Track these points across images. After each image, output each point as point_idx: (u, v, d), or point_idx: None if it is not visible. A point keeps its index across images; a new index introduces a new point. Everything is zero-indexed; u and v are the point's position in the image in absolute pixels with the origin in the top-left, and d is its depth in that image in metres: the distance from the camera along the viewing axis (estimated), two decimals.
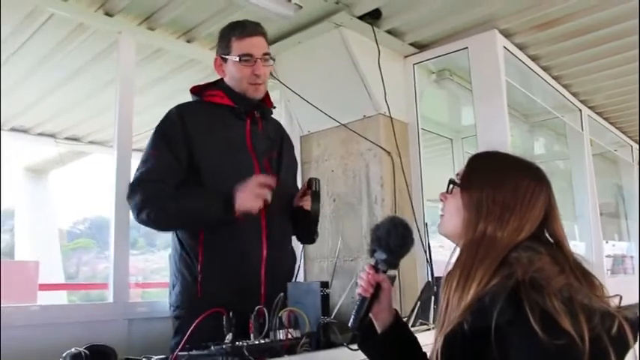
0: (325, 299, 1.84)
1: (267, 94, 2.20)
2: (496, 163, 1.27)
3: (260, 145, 2.09)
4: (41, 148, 5.12)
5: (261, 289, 1.96)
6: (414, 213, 3.01)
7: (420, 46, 3.23)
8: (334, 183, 3.15)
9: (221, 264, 1.94)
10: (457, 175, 1.29)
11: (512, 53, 3.20)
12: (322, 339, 1.77)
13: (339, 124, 3.08)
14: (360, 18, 2.81)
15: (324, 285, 1.86)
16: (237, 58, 2.02)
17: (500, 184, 1.19)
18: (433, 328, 2.07)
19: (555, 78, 3.80)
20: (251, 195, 1.86)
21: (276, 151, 2.17)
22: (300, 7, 2.63)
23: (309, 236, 2.28)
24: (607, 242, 4.92)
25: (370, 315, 1.40)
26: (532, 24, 3.04)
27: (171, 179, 1.95)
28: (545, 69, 3.62)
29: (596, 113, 4.66)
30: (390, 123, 3.01)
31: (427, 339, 1.38)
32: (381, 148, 2.97)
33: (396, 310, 1.42)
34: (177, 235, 2.04)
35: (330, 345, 1.76)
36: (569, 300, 0.97)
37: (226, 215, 1.85)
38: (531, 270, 1.02)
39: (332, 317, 1.88)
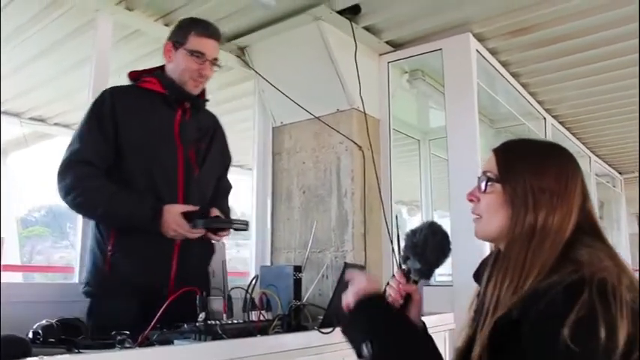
0: (298, 283, 1.87)
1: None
2: (531, 150, 1.21)
3: (188, 134, 2.10)
4: (4, 128, 4.98)
5: (172, 271, 1.98)
6: (382, 206, 3.05)
7: (396, 45, 3.28)
8: (305, 175, 3.17)
9: (132, 245, 1.95)
10: (485, 172, 1.20)
11: (484, 57, 3.27)
12: (294, 322, 1.79)
13: (312, 116, 3.10)
14: (340, 13, 2.84)
15: (297, 269, 1.88)
16: (190, 53, 2.06)
17: (542, 171, 1.13)
18: None
19: (523, 85, 3.90)
20: (173, 230, 1.89)
21: (205, 142, 2.19)
22: None
23: None
24: None
25: None
26: (505, 30, 3.11)
27: (100, 161, 1.95)
28: (514, 75, 3.72)
29: (559, 122, 4.80)
30: (363, 118, 3.05)
31: None
32: (353, 142, 3.00)
33: (423, 322, 1.32)
34: None
35: (302, 327, 1.79)
36: (633, 310, 0.94)
37: (152, 226, 1.88)
38: (599, 270, 0.97)
39: (304, 301, 1.90)
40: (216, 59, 2.13)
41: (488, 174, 1.18)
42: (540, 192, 1.10)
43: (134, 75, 2.16)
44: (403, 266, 1.28)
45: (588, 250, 1.04)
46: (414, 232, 1.27)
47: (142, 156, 1.98)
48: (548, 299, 0.95)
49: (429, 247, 1.23)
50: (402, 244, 1.30)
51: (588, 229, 1.12)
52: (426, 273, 1.26)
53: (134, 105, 2.04)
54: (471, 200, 1.22)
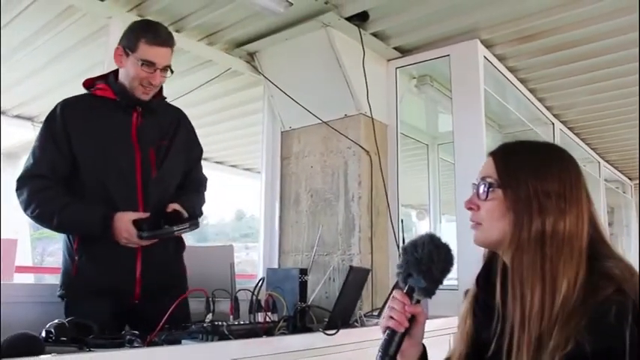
0: (303, 285, 1.90)
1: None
2: (531, 152, 1.15)
3: (147, 135, 2.08)
4: (17, 132, 5.05)
5: (136, 272, 1.99)
6: (389, 211, 3.08)
7: (404, 51, 3.31)
8: (313, 179, 3.21)
9: (95, 249, 1.96)
10: (484, 178, 1.14)
11: (492, 63, 3.30)
12: (299, 323, 1.82)
13: (320, 121, 3.14)
14: (348, 19, 2.88)
15: (303, 272, 1.91)
16: (140, 62, 2.01)
17: (545, 173, 1.08)
18: None
19: (531, 91, 3.92)
20: (125, 238, 1.90)
21: (167, 139, 2.15)
22: (291, 4, 2.68)
23: None
24: None
25: None
26: (513, 37, 3.14)
27: (55, 174, 1.96)
28: (522, 81, 3.74)
29: (568, 128, 4.81)
30: (370, 123, 3.08)
31: None
32: (361, 147, 3.03)
33: (424, 345, 1.22)
34: None
35: (307, 329, 1.82)
36: None
37: (103, 234, 1.90)
38: (634, 287, 0.95)
39: (309, 303, 1.93)
40: (167, 66, 2.07)
41: (488, 179, 1.13)
42: (545, 196, 1.05)
43: (88, 82, 2.13)
44: (402, 284, 1.17)
45: (615, 263, 1.01)
46: (414, 245, 1.16)
47: (99, 164, 1.97)
48: (631, 333, 0.90)
49: (434, 262, 1.13)
50: (401, 258, 1.17)
51: (599, 237, 1.08)
52: (432, 291, 1.15)
53: (87, 115, 2.02)
54: (470, 208, 1.16)
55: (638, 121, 4.32)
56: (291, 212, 3.28)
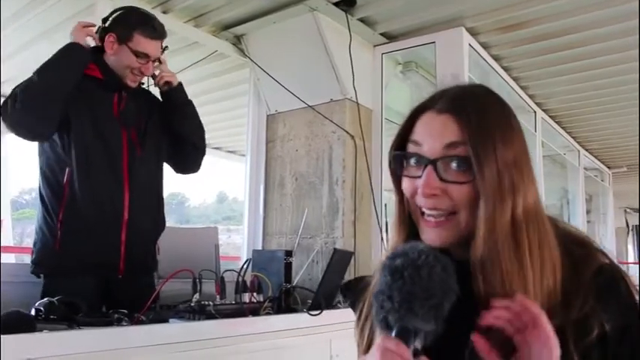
0: (288, 267, 1.93)
1: None
2: (496, 107, 0.90)
3: (127, 116, 2.12)
4: None
5: (121, 249, 2.01)
6: (372, 195, 3.12)
7: (390, 37, 3.33)
8: (297, 163, 3.24)
9: (81, 223, 1.97)
10: (450, 147, 0.85)
11: (477, 51, 3.33)
12: (284, 304, 1.86)
13: (306, 105, 3.16)
14: (335, 4, 2.88)
15: (288, 254, 1.95)
16: (134, 53, 2.05)
17: (510, 134, 0.86)
18: None
19: (514, 79, 3.97)
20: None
21: (144, 120, 2.20)
22: None
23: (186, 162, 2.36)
24: None
25: None
26: (498, 25, 3.17)
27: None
28: (505, 69, 3.78)
29: (550, 116, 4.87)
30: (355, 108, 3.11)
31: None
32: (346, 131, 3.06)
33: None
34: (40, 192, 2.06)
35: (291, 310, 1.86)
36: None
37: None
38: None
39: (293, 284, 1.97)
40: (158, 57, 2.14)
41: (459, 152, 0.84)
42: (515, 166, 0.84)
43: None
44: (385, 325, 0.79)
45: (573, 228, 0.92)
46: (415, 265, 0.79)
47: (88, 141, 1.99)
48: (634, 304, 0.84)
49: (446, 293, 0.78)
50: (382, 297, 0.79)
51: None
52: (438, 332, 0.78)
53: (75, 91, 2.01)
54: (432, 195, 0.85)
55: (638, 115, 4.40)
56: (276, 195, 3.31)
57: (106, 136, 2.03)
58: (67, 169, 1.97)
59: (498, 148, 0.82)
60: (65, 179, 1.97)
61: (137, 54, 2.05)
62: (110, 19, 2.10)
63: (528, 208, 0.84)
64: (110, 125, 2.06)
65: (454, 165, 0.84)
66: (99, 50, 2.12)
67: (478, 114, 0.85)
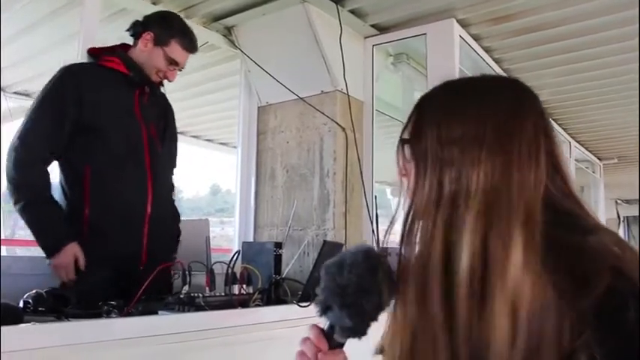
0: (278, 259, 1.94)
1: None
2: (449, 91, 0.91)
3: (147, 113, 2.17)
4: None
5: (143, 242, 2.06)
6: (363, 187, 3.13)
7: (381, 29, 3.33)
8: (288, 155, 3.24)
9: (107, 218, 1.99)
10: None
11: (468, 43, 3.33)
12: (273, 295, 1.86)
13: (297, 97, 3.15)
14: None
15: (278, 245, 1.95)
16: (167, 59, 2.14)
17: (452, 115, 0.85)
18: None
19: (506, 71, 3.96)
20: (59, 272, 1.90)
21: (162, 120, 2.27)
22: None
23: None
24: None
25: None
26: (489, 17, 3.17)
27: (49, 142, 1.96)
28: (497, 61, 3.78)
29: None
30: (346, 100, 3.10)
31: None
32: (336, 123, 3.06)
33: None
34: (62, 188, 2.05)
35: (281, 301, 1.86)
36: None
37: (46, 254, 1.92)
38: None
39: (283, 276, 1.98)
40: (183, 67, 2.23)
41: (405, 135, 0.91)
42: (448, 144, 0.84)
43: (95, 51, 2.20)
44: (320, 319, 0.84)
45: (590, 221, 0.82)
46: (339, 265, 0.82)
47: (110, 133, 2.01)
48: None
49: (368, 293, 0.80)
50: (323, 283, 0.83)
51: (561, 191, 0.84)
52: (361, 331, 0.82)
53: (99, 83, 2.06)
54: (403, 176, 0.90)
55: (638, 108, 4.42)
56: (267, 187, 3.31)
57: (127, 130, 2.07)
58: (86, 164, 1.97)
59: (432, 127, 0.87)
60: (87, 174, 1.98)
61: (169, 60, 2.13)
62: (153, 17, 2.19)
63: (465, 189, 0.78)
64: (131, 120, 2.10)
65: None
66: (122, 47, 2.19)
67: (423, 100, 0.95)
